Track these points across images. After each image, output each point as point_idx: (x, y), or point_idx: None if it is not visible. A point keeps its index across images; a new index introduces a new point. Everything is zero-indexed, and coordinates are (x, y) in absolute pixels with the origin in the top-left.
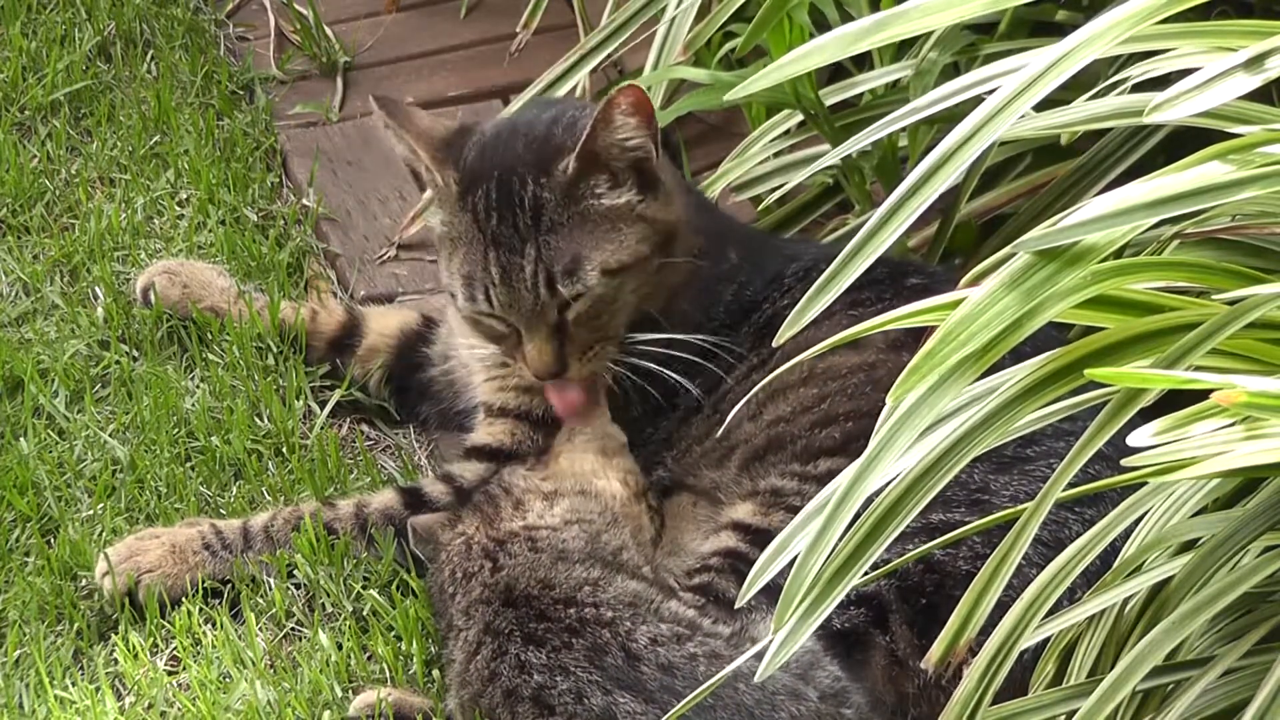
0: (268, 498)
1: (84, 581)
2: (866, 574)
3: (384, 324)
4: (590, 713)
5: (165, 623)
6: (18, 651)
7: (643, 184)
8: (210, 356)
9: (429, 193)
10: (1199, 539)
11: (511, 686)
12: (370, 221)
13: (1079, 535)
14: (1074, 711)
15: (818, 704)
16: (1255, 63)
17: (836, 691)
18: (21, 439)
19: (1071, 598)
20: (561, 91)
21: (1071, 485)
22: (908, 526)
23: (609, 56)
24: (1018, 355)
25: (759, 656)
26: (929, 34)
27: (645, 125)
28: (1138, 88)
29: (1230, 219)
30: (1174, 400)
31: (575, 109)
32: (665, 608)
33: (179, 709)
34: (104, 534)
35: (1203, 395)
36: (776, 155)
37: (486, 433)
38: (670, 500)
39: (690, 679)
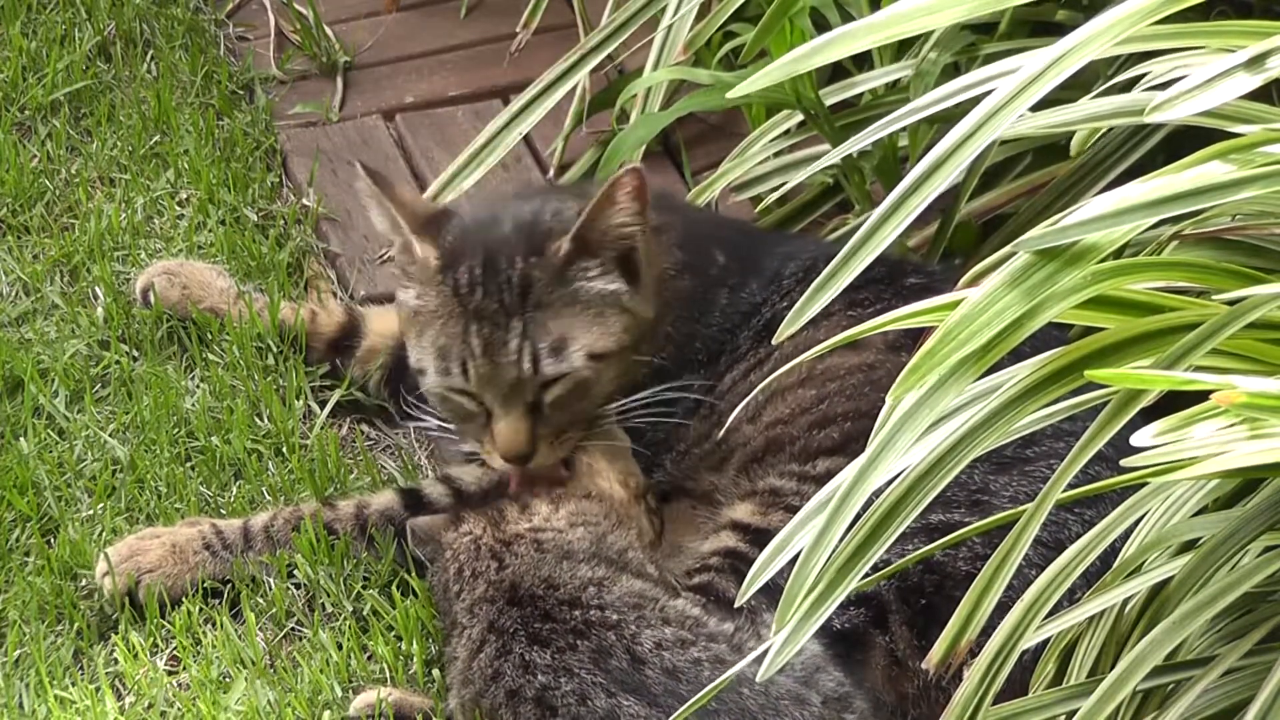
0: (268, 498)
1: (84, 581)
2: (868, 575)
3: (383, 325)
4: (594, 715)
5: (165, 623)
6: (18, 651)
7: (628, 276)
8: (210, 356)
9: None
10: (1199, 539)
11: (515, 686)
12: (370, 221)
13: (1079, 536)
14: (1074, 711)
15: (821, 709)
16: (1255, 63)
17: (840, 696)
18: (21, 439)
19: (1071, 598)
20: (561, 92)
21: (1071, 486)
22: (908, 527)
23: (609, 56)
24: (1018, 355)
25: (763, 661)
26: (929, 34)
27: (642, 213)
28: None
29: (1230, 219)
30: (1174, 401)
31: (558, 200)
32: (670, 608)
33: (179, 709)
34: (104, 534)
35: (1203, 396)
36: (776, 155)
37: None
38: (669, 506)
39: (695, 684)
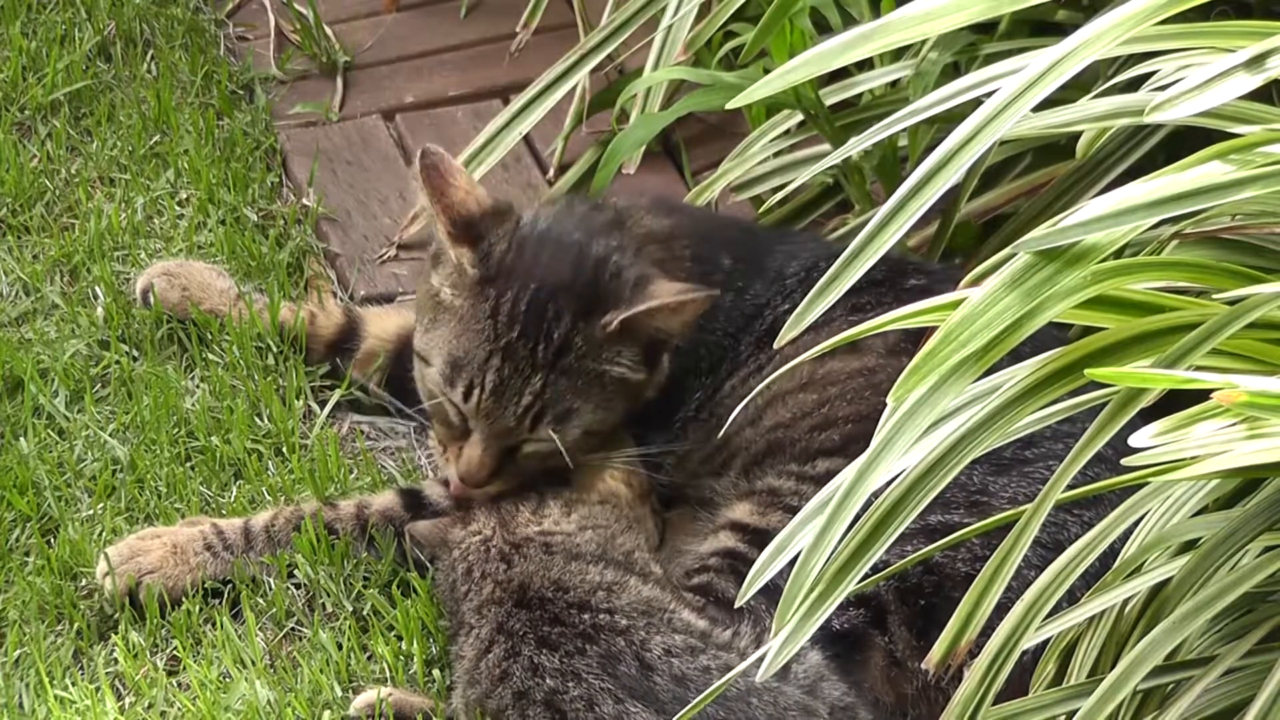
0: (268, 498)
1: (84, 581)
2: (867, 575)
3: (382, 327)
4: None
5: (165, 623)
6: (18, 651)
7: (649, 362)
8: (210, 356)
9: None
10: (1199, 539)
11: (523, 689)
12: (370, 221)
13: (1078, 537)
14: (1074, 711)
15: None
16: (1255, 63)
17: (846, 706)
18: (21, 439)
19: (1071, 599)
20: (561, 92)
21: (1071, 487)
22: (908, 528)
23: (609, 56)
24: (1017, 355)
25: (774, 673)
26: None
27: (691, 326)
28: (1137, 87)
29: (1230, 219)
30: (1174, 401)
31: (619, 254)
32: (679, 617)
33: (179, 709)
34: (104, 534)
35: (1203, 395)
36: (776, 155)
37: None
38: (671, 511)
39: (703, 692)
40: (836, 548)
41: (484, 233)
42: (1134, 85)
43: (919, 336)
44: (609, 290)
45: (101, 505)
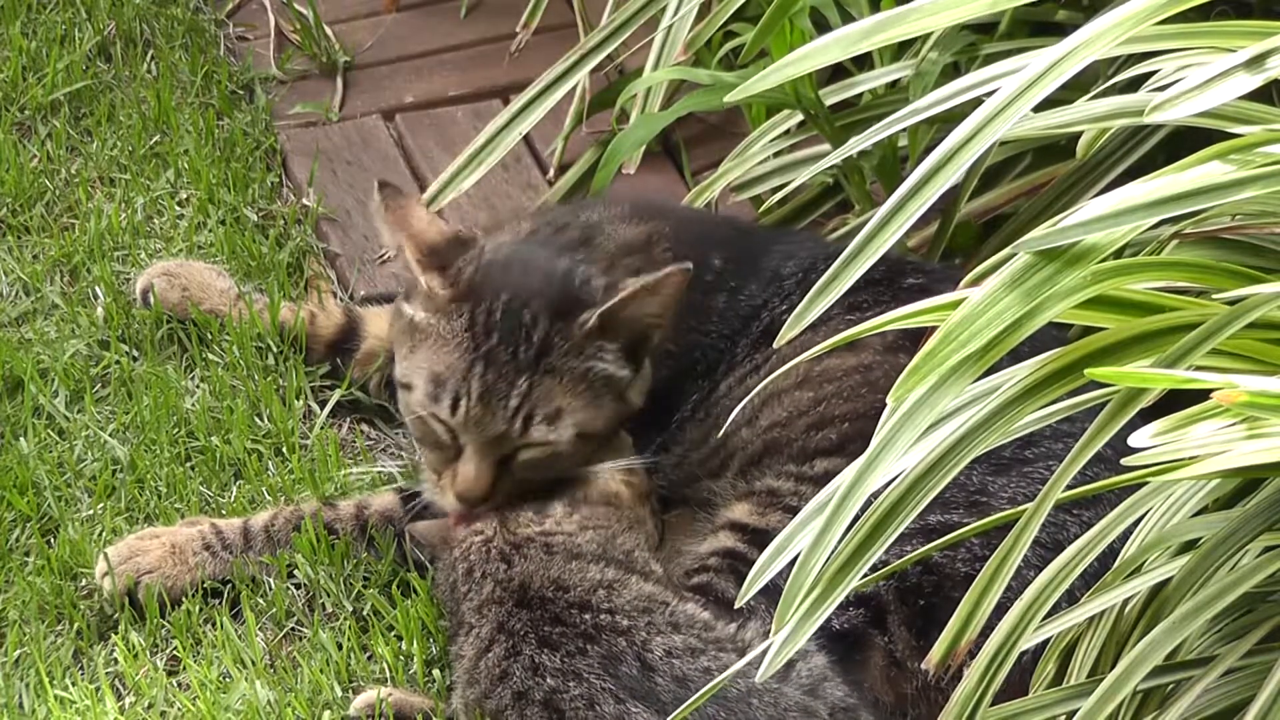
0: (268, 498)
1: (84, 581)
2: (866, 575)
3: (381, 327)
4: None
5: (165, 623)
6: (18, 651)
7: (634, 362)
8: (210, 356)
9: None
10: (1199, 539)
11: (523, 688)
12: (370, 221)
13: (1078, 537)
14: (1074, 711)
15: None
16: (1255, 63)
17: (848, 707)
18: (21, 439)
19: (1071, 599)
20: (561, 92)
21: (1071, 487)
22: (907, 528)
23: (609, 56)
24: (1016, 355)
25: (775, 675)
26: (929, 34)
27: (672, 307)
28: (1137, 87)
29: (1230, 219)
30: (1174, 401)
31: (587, 265)
32: (679, 611)
33: (179, 709)
34: (104, 534)
35: (1203, 395)
36: (776, 155)
37: None
38: (670, 512)
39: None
40: (836, 548)
41: (450, 259)
42: (1134, 85)
43: (916, 333)
44: (581, 295)
45: (101, 505)
